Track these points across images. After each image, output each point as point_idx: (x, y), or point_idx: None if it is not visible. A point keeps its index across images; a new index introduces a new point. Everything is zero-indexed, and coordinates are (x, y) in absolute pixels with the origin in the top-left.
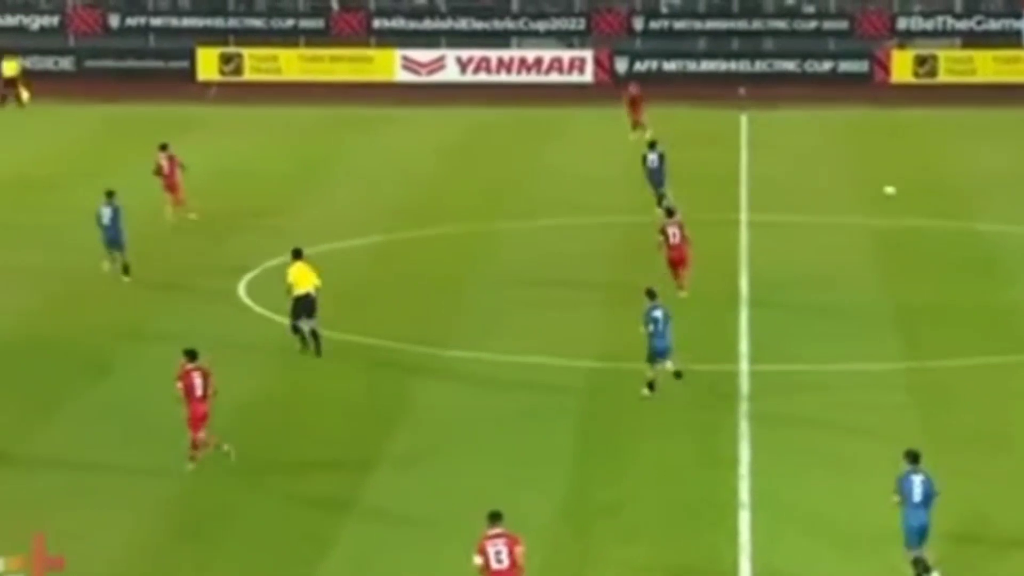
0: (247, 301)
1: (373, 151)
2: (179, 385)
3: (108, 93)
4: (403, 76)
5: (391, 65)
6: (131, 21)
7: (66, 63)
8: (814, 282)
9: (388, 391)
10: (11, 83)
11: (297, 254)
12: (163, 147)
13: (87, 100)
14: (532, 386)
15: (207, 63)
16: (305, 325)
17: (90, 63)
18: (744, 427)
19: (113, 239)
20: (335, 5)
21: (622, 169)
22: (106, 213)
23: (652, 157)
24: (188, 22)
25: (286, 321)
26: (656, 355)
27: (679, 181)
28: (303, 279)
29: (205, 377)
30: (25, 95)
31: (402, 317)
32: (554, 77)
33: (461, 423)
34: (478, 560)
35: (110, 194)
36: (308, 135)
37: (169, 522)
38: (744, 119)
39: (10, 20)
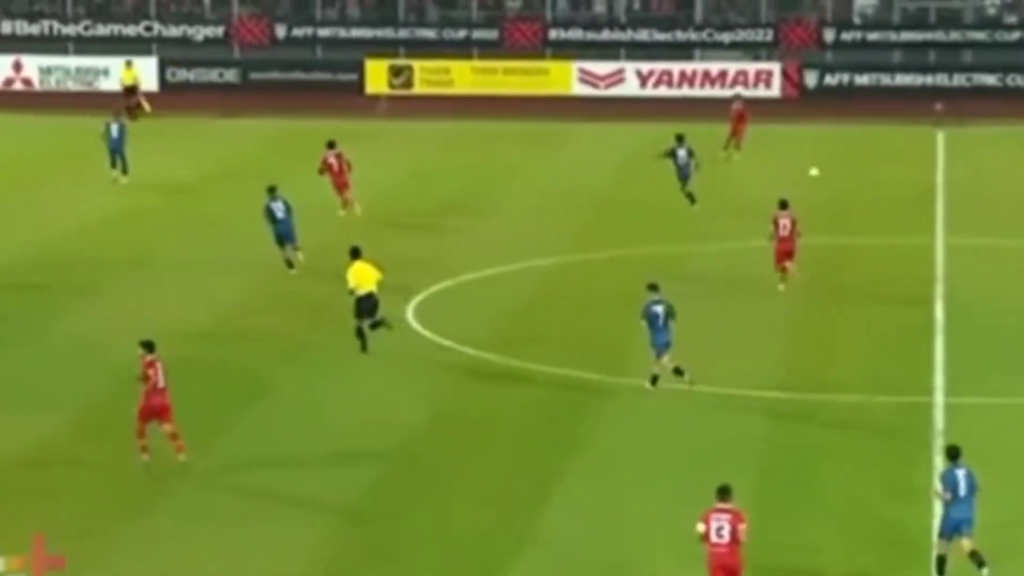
0: (415, 325)
1: (548, 168)
2: (150, 372)
3: (273, 106)
4: (580, 89)
5: (567, 78)
6: (298, 32)
7: (231, 75)
8: (1015, 309)
9: (561, 419)
10: (131, 92)
11: (355, 253)
12: (331, 144)
13: (252, 113)
14: (712, 416)
15: (376, 75)
16: (366, 323)
17: (255, 75)
18: (938, 462)
19: (287, 233)
20: (510, 14)
21: (810, 190)
22: (278, 207)
23: (681, 153)
24: (357, 32)
25: (456, 346)
26: (657, 350)
27: (871, 201)
28: (365, 278)
29: (164, 368)
30: (147, 105)
31: (577, 342)
32: (739, 91)
33: (637, 454)
34: (700, 527)
35: (273, 189)
36: (480, 151)
37: (342, 541)
38: (941, 136)
39: (174, 31)
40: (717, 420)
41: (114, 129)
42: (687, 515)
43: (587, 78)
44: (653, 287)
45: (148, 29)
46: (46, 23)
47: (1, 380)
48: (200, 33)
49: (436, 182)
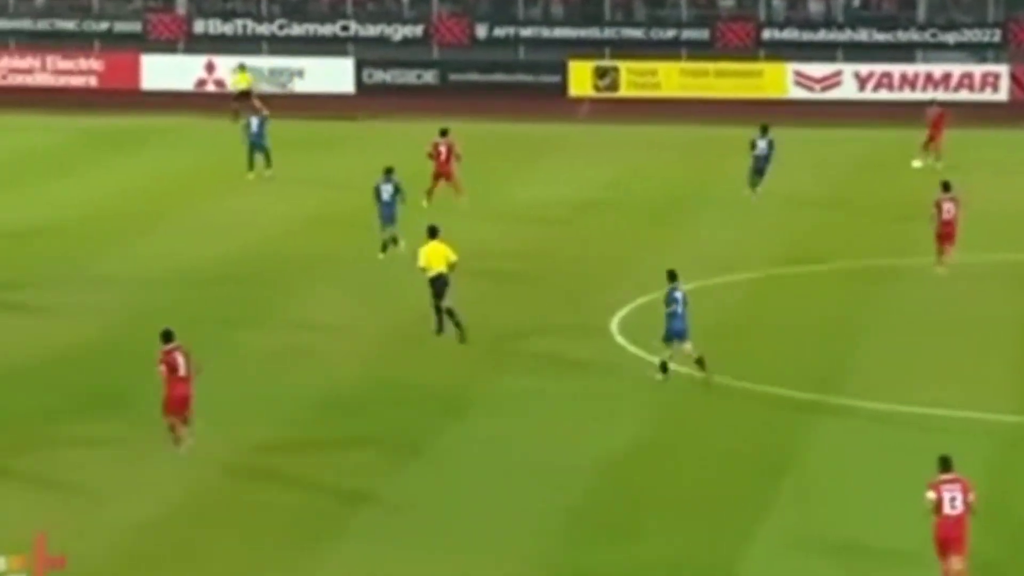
0: (620, 340)
1: None
2: (161, 368)
3: (472, 110)
4: (795, 93)
5: (782, 80)
6: (499, 31)
7: (429, 77)
8: None
9: (772, 439)
10: (244, 97)
11: (432, 232)
12: (443, 132)
13: (450, 116)
14: (935, 440)
15: (580, 77)
16: (442, 305)
17: (454, 77)
18: None
19: (389, 215)
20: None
21: None
22: (387, 190)
23: (762, 144)
24: (560, 32)
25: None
26: (673, 336)
27: None
28: (436, 259)
29: (186, 356)
30: (265, 110)
31: (787, 360)
32: (963, 95)
33: (853, 477)
34: (931, 495)
35: (389, 171)
36: (687, 157)
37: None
38: None
39: (371, 30)
40: (936, 442)
41: (254, 123)
42: (910, 542)
43: (803, 80)
44: (672, 275)
45: (344, 29)
46: (239, 22)
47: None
48: (398, 33)
49: (640, 189)
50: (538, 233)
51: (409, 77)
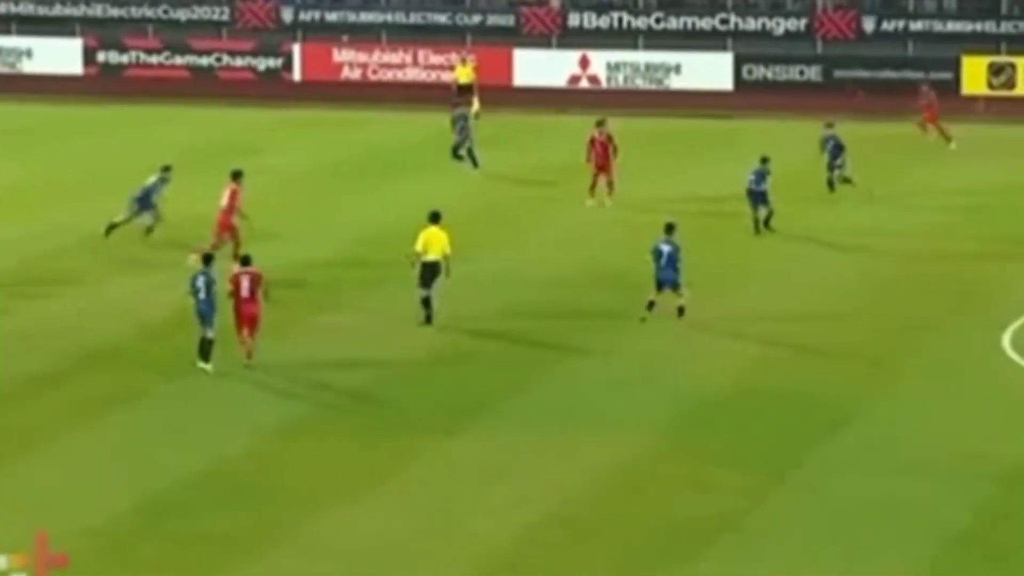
0: (1013, 356)
1: None
2: (227, 287)
3: (857, 107)
4: None
5: None
6: (887, 25)
7: (812, 73)
8: None
9: None
10: (466, 90)
11: (434, 218)
12: (599, 123)
13: (834, 114)
14: None
15: (974, 74)
16: (423, 293)
17: (839, 73)
18: None
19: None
20: None
21: None
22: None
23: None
24: (953, 26)
25: None
26: (658, 285)
27: None
28: (433, 245)
29: (253, 279)
30: (476, 106)
31: None
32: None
33: None
34: None
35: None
36: None
37: None
38: None
39: (752, 24)
40: None
41: (459, 122)
42: None
43: None
44: (668, 227)
45: (724, 22)
46: (615, 15)
47: (569, 397)
48: (780, 26)
49: None
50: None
51: (791, 73)
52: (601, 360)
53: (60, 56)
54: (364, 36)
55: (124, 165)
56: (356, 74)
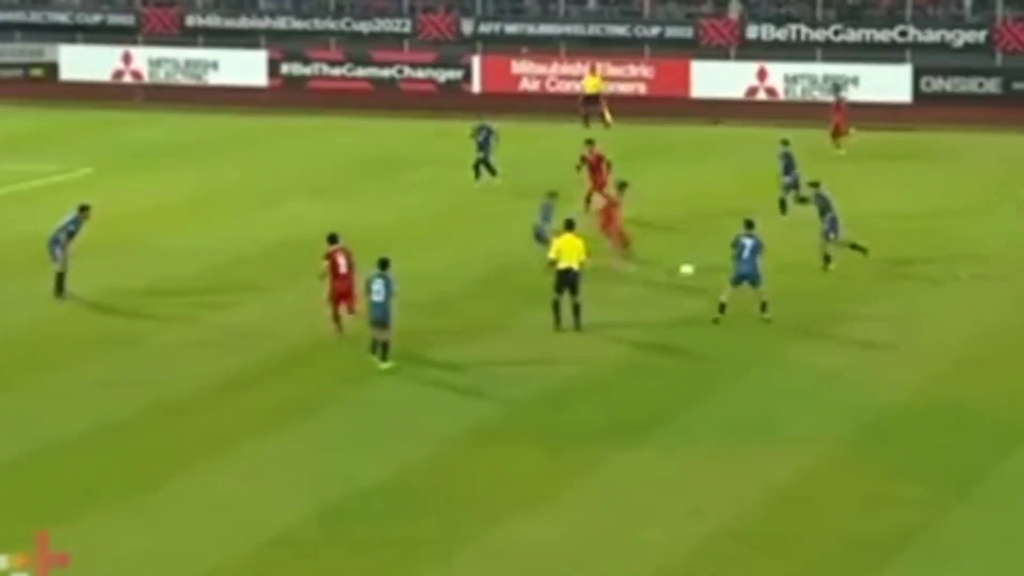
0: None
1: None
2: (325, 263)
3: None
4: None
5: None
6: None
7: (992, 85)
8: None
9: None
10: (593, 100)
11: (569, 225)
12: (589, 142)
13: (1013, 127)
14: None
15: None
16: (567, 301)
17: (1018, 85)
18: None
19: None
20: None
21: None
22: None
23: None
24: None
25: None
26: (736, 279)
27: None
28: (569, 252)
29: (347, 256)
30: (608, 116)
31: None
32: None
33: None
34: None
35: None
36: None
37: None
38: None
39: (931, 36)
40: None
41: (481, 135)
42: None
43: None
44: (748, 223)
45: (903, 34)
46: (793, 27)
47: (744, 410)
48: (959, 38)
49: None
50: None
51: (970, 85)
52: (776, 373)
53: (246, 68)
54: (543, 48)
55: (306, 175)
56: (534, 86)
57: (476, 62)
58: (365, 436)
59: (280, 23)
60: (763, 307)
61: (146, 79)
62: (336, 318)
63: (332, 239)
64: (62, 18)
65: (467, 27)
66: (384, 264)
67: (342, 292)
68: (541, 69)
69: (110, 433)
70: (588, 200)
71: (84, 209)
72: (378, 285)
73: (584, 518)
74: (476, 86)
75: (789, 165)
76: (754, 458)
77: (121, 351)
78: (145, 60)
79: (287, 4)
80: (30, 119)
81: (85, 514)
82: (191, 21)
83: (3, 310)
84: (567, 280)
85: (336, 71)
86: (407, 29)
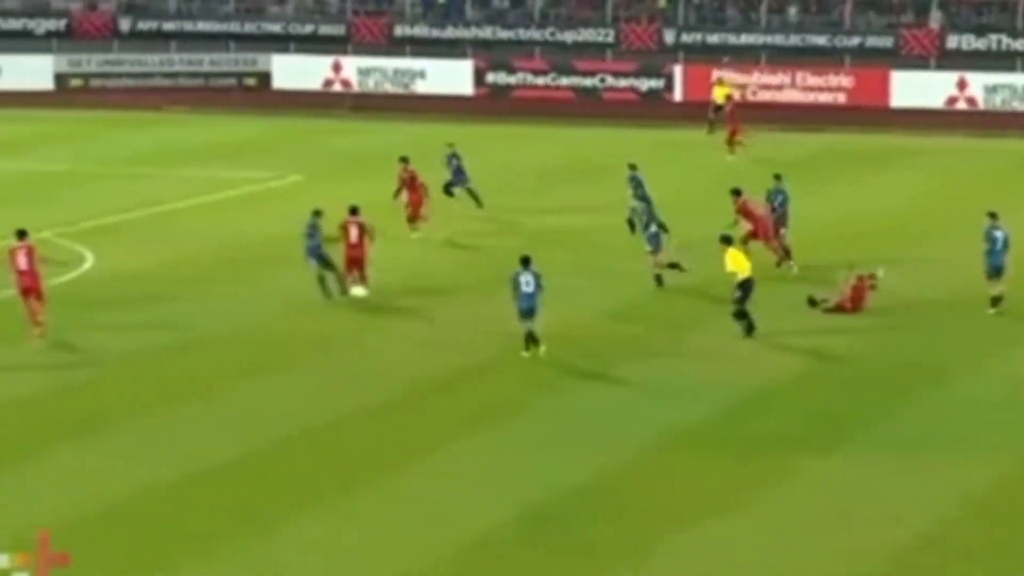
0: None
1: None
2: (337, 231)
3: None
4: None
5: None
6: None
7: None
8: None
9: None
10: (721, 110)
11: (727, 240)
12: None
13: None
14: None
15: None
16: (738, 308)
17: None
18: None
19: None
20: None
21: None
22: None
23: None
24: None
25: None
26: (992, 272)
27: None
28: (742, 263)
29: (361, 228)
30: (738, 134)
31: None
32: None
33: None
34: None
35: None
36: None
37: None
38: None
39: None
40: None
41: (453, 162)
42: None
43: None
44: (992, 215)
45: None
46: (994, 37)
47: (937, 418)
48: None
49: None
50: None
51: None
52: (969, 381)
53: (452, 77)
54: (744, 58)
55: (505, 183)
56: (735, 95)
57: (678, 71)
58: (563, 440)
59: (486, 33)
60: (997, 300)
61: (355, 88)
62: (342, 279)
63: (353, 210)
64: (275, 28)
65: (669, 37)
66: (526, 261)
67: (352, 259)
68: (742, 79)
69: (318, 435)
70: (411, 221)
71: (317, 213)
72: (527, 277)
73: (778, 525)
74: (678, 95)
75: (784, 201)
76: (949, 466)
77: (335, 352)
78: (355, 69)
79: (493, 14)
80: (243, 127)
81: (292, 517)
82: (399, 31)
83: (228, 313)
84: (749, 288)
85: (540, 80)
86: (610, 39)
